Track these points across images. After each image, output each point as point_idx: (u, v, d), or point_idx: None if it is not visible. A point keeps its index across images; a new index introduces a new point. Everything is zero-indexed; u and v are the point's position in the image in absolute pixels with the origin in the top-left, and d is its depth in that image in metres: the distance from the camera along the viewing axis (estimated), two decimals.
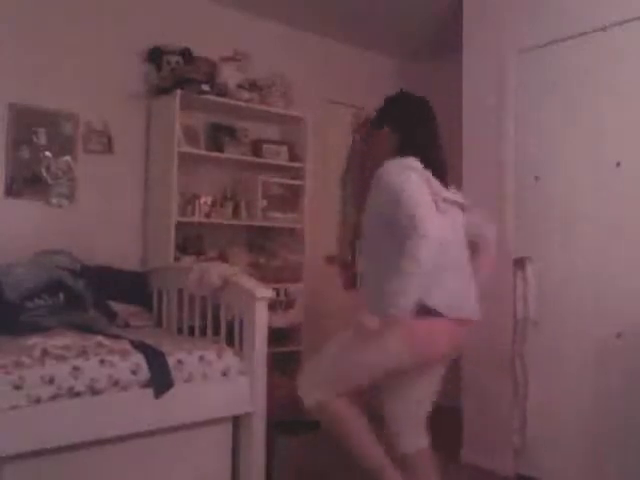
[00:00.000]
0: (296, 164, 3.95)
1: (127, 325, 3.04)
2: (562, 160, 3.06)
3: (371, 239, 2.15)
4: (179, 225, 3.44)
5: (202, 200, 3.61)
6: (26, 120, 3.22)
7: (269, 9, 3.98)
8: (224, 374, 2.55)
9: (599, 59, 2.92)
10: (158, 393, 2.35)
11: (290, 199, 3.95)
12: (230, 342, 2.71)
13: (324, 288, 4.04)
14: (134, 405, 2.31)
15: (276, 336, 3.40)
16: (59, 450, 2.15)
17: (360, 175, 4.61)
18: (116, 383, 2.26)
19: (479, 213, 2.33)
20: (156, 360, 2.38)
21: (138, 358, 2.35)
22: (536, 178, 3.16)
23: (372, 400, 2.31)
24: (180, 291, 3.04)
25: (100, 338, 2.44)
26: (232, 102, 3.66)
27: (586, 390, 2.91)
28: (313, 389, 2.11)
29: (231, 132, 3.86)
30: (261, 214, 3.80)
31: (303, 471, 2.96)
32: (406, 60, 4.83)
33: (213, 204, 3.68)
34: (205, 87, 3.51)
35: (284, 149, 3.98)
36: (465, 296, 2.12)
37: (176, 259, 3.43)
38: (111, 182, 3.50)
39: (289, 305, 3.84)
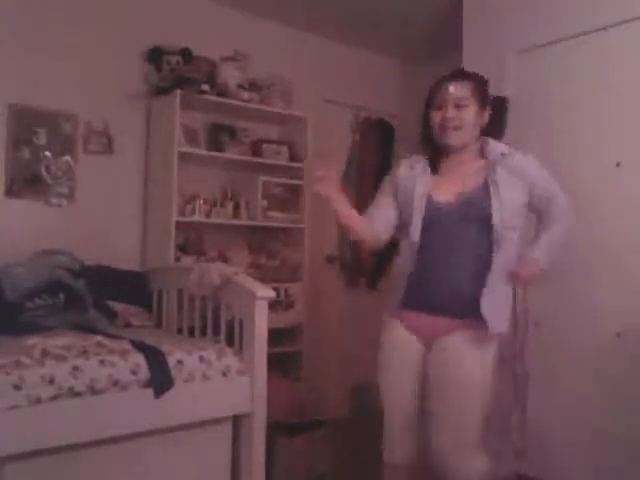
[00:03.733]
0: (296, 164, 3.95)
1: (127, 325, 3.04)
2: (562, 160, 3.05)
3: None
4: (179, 225, 3.43)
5: (202, 200, 3.61)
6: (26, 120, 3.22)
7: (269, 9, 3.98)
8: (224, 374, 2.55)
9: (599, 59, 2.93)
10: (158, 393, 2.35)
11: (290, 199, 3.95)
12: (230, 342, 2.71)
13: (324, 288, 4.04)
14: (134, 405, 2.31)
15: (276, 336, 3.40)
16: (59, 450, 2.15)
17: (360, 175, 4.62)
18: (116, 383, 2.26)
19: None
20: (156, 360, 2.38)
21: (138, 358, 2.35)
22: None
23: None
24: (180, 291, 3.04)
25: (100, 338, 2.45)
26: (232, 102, 3.66)
27: (586, 390, 2.91)
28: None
29: (231, 132, 3.85)
30: (261, 214, 3.79)
31: (303, 471, 2.96)
32: (406, 60, 4.83)
33: (213, 204, 3.68)
34: (205, 87, 3.51)
35: (284, 149, 3.97)
36: None
37: (176, 259, 3.43)
38: (111, 182, 3.50)
39: (289, 305, 3.84)
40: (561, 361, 3.01)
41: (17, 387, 2.05)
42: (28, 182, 3.22)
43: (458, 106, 2.01)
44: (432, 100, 2.07)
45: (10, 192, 3.18)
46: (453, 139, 2.04)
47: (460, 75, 2.08)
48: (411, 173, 2.12)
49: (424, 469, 2.09)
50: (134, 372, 2.31)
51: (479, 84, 2.07)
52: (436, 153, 2.12)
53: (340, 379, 4.29)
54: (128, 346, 2.41)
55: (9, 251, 2.95)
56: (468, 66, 3.50)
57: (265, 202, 3.82)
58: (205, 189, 3.71)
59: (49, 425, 2.11)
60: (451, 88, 2.02)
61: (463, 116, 2.02)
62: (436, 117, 2.05)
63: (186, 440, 2.49)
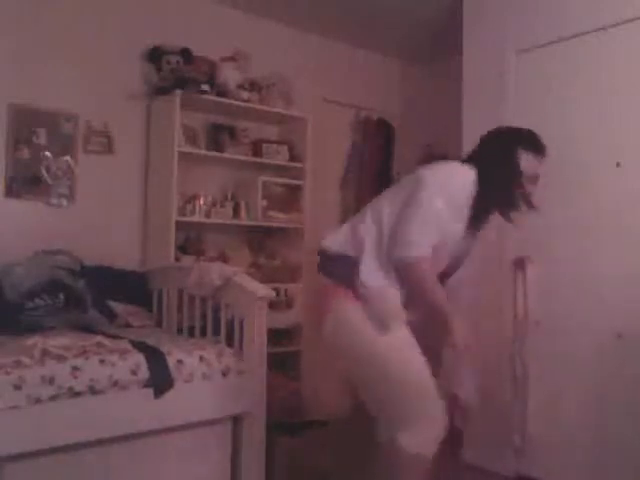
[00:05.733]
0: (296, 164, 3.95)
1: (127, 325, 3.04)
2: (562, 160, 3.05)
3: None
4: (179, 225, 3.43)
5: (202, 200, 3.61)
6: (26, 120, 3.21)
7: (269, 9, 3.98)
8: (224, 374, 2.55)
9: (599, 59, 2.93)
10: (158, 393, 2.35)
11: (290, 199, 3.95)
12: (230, 342, 2.71)
13: None
14: (134, 405, 2.31)
15: (276, 336, 3.40)
16: (59, 450, 2.15)
17: (360, 175, 4.62)
18: (116, 383, 2.26)
19: None
20: (156, 360, 2.38)
21: (138, 358, 2.35)
22: None
23: None
24: (180, 291, 3.04)
25: (100, 338, 2.44)
26: (232, 102, 3.66)
27: (586, 390, 2.91)
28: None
29: (231, 132, 3.85)
30: (261, 214, 3.79)
31: (303, 471, 2.95)
32: (406, 60, 4.83)
33: (213, 204, 3.68)
34: (205, 87, 3.51)
35: (284, 149, 3.97)
36: None
37: (176, 259, 3.43)
38: (111, 182, 3.50)
39: (289, 305, 3.84)
40: (561, 361, 3.01)
41: (17, 387, 2.05)
42: (28, 182, 3.22)
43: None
44: (532, 171, 2.06)
45: (10, 192, 3.18)
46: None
47: None
48: None
49: None
50: (134, 372, 2.31)
51: None
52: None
53: (340, 379, 4.29)
54: (128, 346, 2.41)
55: (9, 251, 2.94)
56: (468, 66, 3.52)
57: (265, 202, 3.82)
58: (205, 189, 3.71)
59: (49, 425, 2.11)
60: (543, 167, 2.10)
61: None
62: (531, 189, 2.08)
63: (186, 440, 2.49)
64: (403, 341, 2.02)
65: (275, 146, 3.96)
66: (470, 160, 2.10)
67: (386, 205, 2.07)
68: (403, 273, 1.97)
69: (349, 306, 2.01)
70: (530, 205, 2.08)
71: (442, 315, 1.98)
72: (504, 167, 2.04)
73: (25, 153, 3.22)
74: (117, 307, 3.08)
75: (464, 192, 1.99)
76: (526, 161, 2.04)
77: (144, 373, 2.33)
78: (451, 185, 1.99)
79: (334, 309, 2.04)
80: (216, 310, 2.82)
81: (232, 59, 3.73)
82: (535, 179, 2.07)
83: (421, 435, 1.96)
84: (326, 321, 2.07)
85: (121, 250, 3.47)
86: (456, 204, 1.98)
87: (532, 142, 2.08)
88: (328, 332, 2.08)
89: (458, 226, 2.02)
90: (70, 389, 2.15)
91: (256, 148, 3.90)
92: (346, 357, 2.13)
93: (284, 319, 3.73)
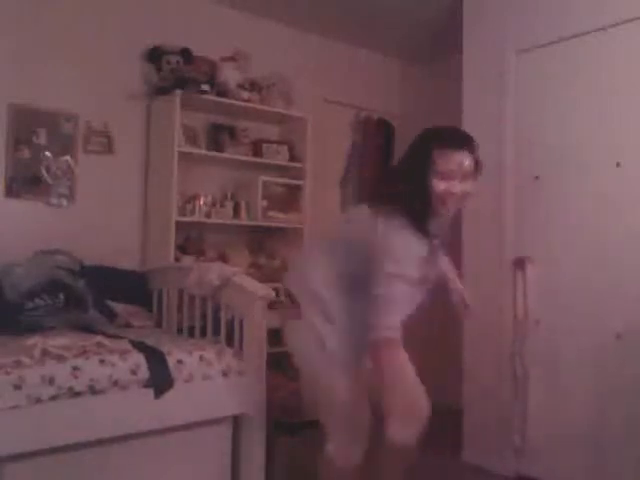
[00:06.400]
0: (296, 164, 3.95)
1: (127, 325, 3.04)
2: (562, 160, 3.06)
3: None
4: (179, 225, 3.43)
5: (202, 200, 3.61)
6: (26, 120, 3.22)
7: (269, 9, 3.97)
8: (224, 374, 2.55)
9: (599, 59, 2.93)
10: (158, 393, 2.35)
11: (290, 199, 3.95)
12: (230, 342, 2.71)
13: None
14: (134, 405, 2.31)
15: (276, 336, 3.39)
16: (59, 450, 2.15)
17: (360, 175, 4.62)
18: (116, 383, 2.26)
19: None
20: (156, 360, 2.38)
21: (138, 358, 2.35)
22: (536, 178, 3.16)
23: None
24: (180, 291, 3.04)
25: (100, 338, 2.44)
26: (232, 102, 3.66)
27: (586, 390, 2.91)
28: None
29: (231, 132, 3.85)
30: (261, 214, 3.79)
31: (303, 471, 2.95)
32: (406, 60, 4.83)
33: (213, 204, 3.68)
34: (205, 87, 3.51)
35: (284, 149, 3.97)
36: None
37: (176, 259, 3.43)
38: (111, 182, 3.50)
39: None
40: (561, 361, 3.01)
41: (17, 387, 2.04)
42: (28, 182, 3.22)
43: (464, 178, 1.92)
44: (434, 166, 1.90)
45: (10, 192, 3.18)
46: (450, 210, 1.97)
47: (469, 145, 1.96)
48: None
49: None
50: (134, 372, 2.31)
51: (477, 153, 1.97)
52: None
53: None
54: (128, 346, 2.41)
55: (9, 251, 2.94)
56: (468, 66, 3.52)
57: (265, 202, 3.82)
58: (205, 189, 3.71)
59: (49, 425, 2.11)
60: (467, 163, 1.91)
61: (467, 189, 1.94)
62: (439, 187, 1.91)
63: (186, 440, 2.49)
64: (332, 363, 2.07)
65: (275, 146, 3.96)
66: (397, 169, 2.06)
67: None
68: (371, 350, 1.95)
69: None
70: (443, 203, 1.92)
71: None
72: (416, 167, 1.95)
73: (25, 153, 3.22)
74: (117, 307, 3.08)
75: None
76: (438, 157, 1.91)
77: (144, 373, 2.33)
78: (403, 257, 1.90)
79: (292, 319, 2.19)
80: (216, 310, 2.82)
81: (232, 59, 3.73)
82: (448, 174, 1.90)
83: (338, 444, 2.14)
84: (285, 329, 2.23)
85: (121, 250, 3.47)
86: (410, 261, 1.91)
87: (444, 138, 1.97)
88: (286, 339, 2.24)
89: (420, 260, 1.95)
90: (70, 389, 2.15)
91: (256, 148, 3.90)
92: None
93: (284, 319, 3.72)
